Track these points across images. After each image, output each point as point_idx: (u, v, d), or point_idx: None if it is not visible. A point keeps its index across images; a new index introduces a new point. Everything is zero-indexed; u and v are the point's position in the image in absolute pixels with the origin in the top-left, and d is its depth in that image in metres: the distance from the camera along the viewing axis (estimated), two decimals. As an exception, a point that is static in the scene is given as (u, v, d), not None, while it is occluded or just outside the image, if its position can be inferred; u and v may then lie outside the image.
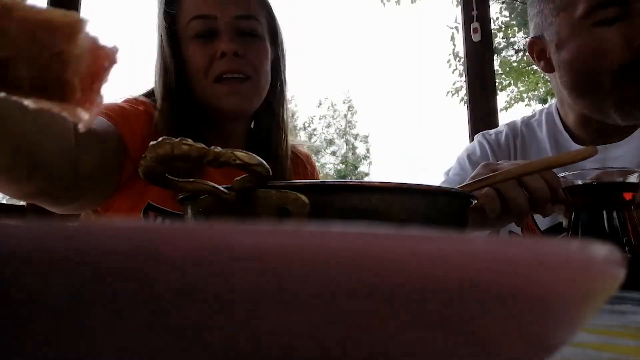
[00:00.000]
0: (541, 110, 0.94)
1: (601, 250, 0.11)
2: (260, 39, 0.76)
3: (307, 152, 0.93)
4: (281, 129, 0.81)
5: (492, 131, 0.96)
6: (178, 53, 0.74)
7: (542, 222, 0.82)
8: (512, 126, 0.93)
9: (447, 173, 0.93)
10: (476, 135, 0.96)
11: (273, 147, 0.80)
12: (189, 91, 0.74)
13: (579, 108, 0.80)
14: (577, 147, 0.82)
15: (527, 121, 0.93)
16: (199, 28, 0.72)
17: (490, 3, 1.89)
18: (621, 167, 0.58)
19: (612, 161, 0.78)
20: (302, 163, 0.89)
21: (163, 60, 0.74)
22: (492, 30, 2.03)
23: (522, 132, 0.91)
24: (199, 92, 0.74)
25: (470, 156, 0.92)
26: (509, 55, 7.65)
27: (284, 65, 0.83)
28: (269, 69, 0.78)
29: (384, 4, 7.68)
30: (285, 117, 0.83)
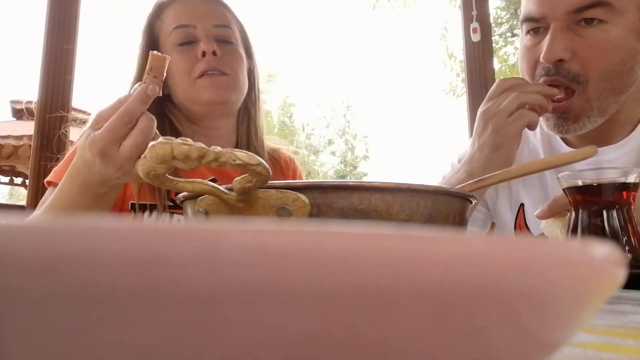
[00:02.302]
0: None
1: (601, 250, 0.11)
2: (235, 45, 0.83)
3: (290, 154, 0.97)
4: (258, 131, 0.89)
5: None
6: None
7: (535, 229, 0.82)
8: None
9: (443, 177, 0.93)
10: (470, 138, 0.97)
11: (253, 149, 0.86)
12: (169, 99, 0.81)
13: None
14: (570, 150, 0.82)
15: None
16: (180, 37, 0.79)
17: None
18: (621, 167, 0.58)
19: (606, 164, 0.78)
20: (279, 166, 0.93)
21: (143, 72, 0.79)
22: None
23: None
24: (181, 94, 0.80)
25: (461, 161, 0.92)
26: (506, 54, 7.68)
27: (258, 76, 0.91)
28: (245, 74, 0.85)
29: (374, 7, 7.79)
30: (260, 122, 0.90)
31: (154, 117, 0.55)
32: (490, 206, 0.90)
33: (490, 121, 0.70)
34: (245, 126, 0.88)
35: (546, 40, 0.73)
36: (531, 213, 0.83)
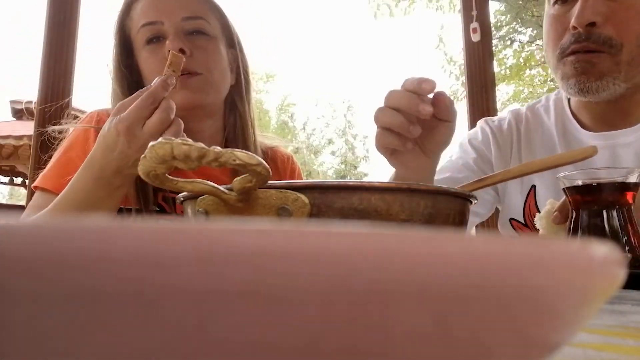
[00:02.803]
0: (548, 96, 0.92)
1: (601, 250, 0.11)
2: (210, 37, 0.78)
3: (287, 153, 0.95)
4: (248, 127, 0.84)
5: (495, 118, 0.95)
6: (133, 64, 0.78)
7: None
8: (516, 113, 0.92)
9: (450, 157, 0.93)
10: (479, 121, 0.96)
11: (240, 145, 0.82)
12: None
13: None
14: (585, 133, 0.81)
15: (532, 107, 0.91)
16: (147, 34, 0.76)
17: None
18: (624, 166, 0.58)
19: (622, 147, 0.77)
20: (275, 166, 0.90)
21: (118, 74, 0.77)
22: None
23: (527, 117, 0.89)
24: None
25: (471, 140, 0.91)
26: (505, 56, 7.70)
27: (246, 66, 0.86)
28: (224, 67, 0.80)
29: (375, 15, 7.85)
30: (251, 115, 0.85)
31: (173, 102, 0.60)
32: (500, 188, 0.89)
33: None
34: (232, 123, 0.84)
35: (577, 6, 0.70)
36: (542, 195, 0.82)
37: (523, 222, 0.85)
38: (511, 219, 0.87)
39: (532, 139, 0.87)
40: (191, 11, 0.76)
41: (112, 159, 0.59)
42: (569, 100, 0.87)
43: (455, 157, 0.91)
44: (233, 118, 0.84)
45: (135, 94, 0.60)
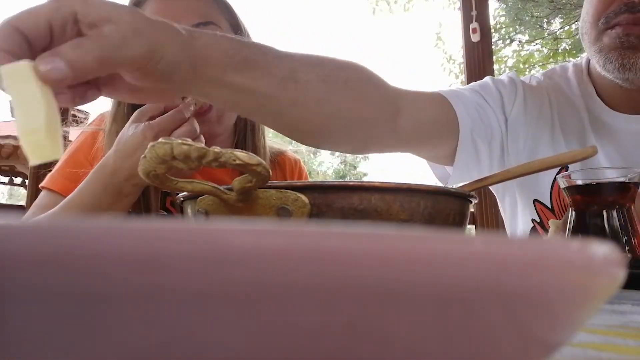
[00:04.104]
0: (564, 67, 0.81)
1: (601, 250, 0.11)
2: None
3: (295, 157, 0.95)
4: (258, 130, 0.85)
5: (521, 77, 0.82)
6: None
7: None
8: (544, 75, 0.81)
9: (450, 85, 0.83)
10: (504, 74, 0.83)
11: (250, 149, 0.83)
12: None
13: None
14: (620, 116, 0.72)
15: (550, 76, 0.80)
16: None
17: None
18: (624, 166, 0.58)
19: None
20: (282, 170, 0.91)
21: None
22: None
23: (551, 81, 0.79)
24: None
25: (495, 80, 0.78)
26: (504, 56, 7.71)
27: None
28: None
29: (374, 12, 7.86)
30: None
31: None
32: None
33: None
34: (243, 126, 0.85)
35: None
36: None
37: (550, 206, 0.76)
38: (535, 201, 0.77)
39: (564, 114, 0.76)
40: (202, 16, 0.74)
41: (126, 167, 0.60)
42: (589, 76, 0.77)
43: (469, 88, 0.76)
44: (243, 121, 0.84)
45: (149, 105, 0.62)
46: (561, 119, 0.75)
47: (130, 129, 0.62)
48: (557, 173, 0.71)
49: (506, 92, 0.76)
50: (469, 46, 1.85)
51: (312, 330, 0.09)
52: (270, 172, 0.29)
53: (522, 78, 0.81)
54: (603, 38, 0.68)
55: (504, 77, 0.80)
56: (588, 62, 0.78)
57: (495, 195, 0.89)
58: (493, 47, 2.01)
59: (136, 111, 0.63)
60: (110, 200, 0.62)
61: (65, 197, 0.71)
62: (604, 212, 0.52)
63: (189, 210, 0.35)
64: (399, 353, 0.09)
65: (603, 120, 0.74)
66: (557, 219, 0.73)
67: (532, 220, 0.79)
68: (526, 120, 0.75)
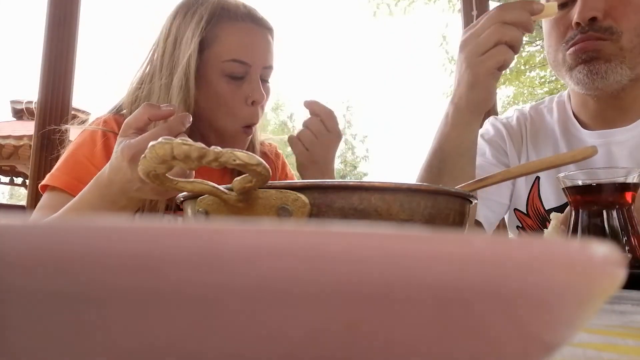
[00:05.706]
0: (551, 98, 0.97)
1: (601, 250, 0.11)
2: (268, 84, 0.84)
3: (273, 145, 0.99)
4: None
5: (502, 116, 0.99)
6: (199, 80, 0.78)
7: (547, 203, 0.85)
8: (520, 112, 0.96)
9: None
10: (486, 120, 0.98)
11: (250, 146, 0.87)
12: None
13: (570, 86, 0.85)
14: (584, 132, 0.86)
15: (535, 107, 0.96)
16: (235, 70, 0.78)
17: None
18: (624, 166, 0.58)
19: (617, 145, 0.81)
20: (271, 160, 0.95)
21: (184, 84, 0.76)
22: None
23: (531, 116, 0.94)
24: (215, 118, 0.80)
25: (483, 135, 0.93)
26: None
27: None
28: None
29: (375, 14, 7.88)
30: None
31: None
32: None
33: (465, 56, 0.68)
34: None
35: (577, 5, 0.76)
36: (545, 186, 0.85)
37: (525, 212, 0.89)
38: (515, 209, 0.90)
39: (537, 137, 0.91)
40: (268, 60, 0.81)
41: (118, 180, 0.59)
42: (570, 102, 0.91)
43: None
44: None
45: (141, 108, 0.59)
46: (535, 145, 0.91)
47: (116, 145, 0.60)
48: (535, 180, 0.87)
49: (496, 139, 0.92)
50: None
51: (312, 330, 0.09)
52: (270, 172, 0.29)
53: (502, 117, 0.98)
54: (567, 59, 0.80)
55: (487, 126, 0.96)
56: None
57: None
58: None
59: (123, 123, 0.61)
60: (107, 210, 0.62)
61: (68, 193, 0.71)
62: (604, 212, 0.52)
63: (189, 210, 0.35)
64: (399, 353, 0.09)
65: (575, 136, 0.87)
66: (533, 224, 0.87)
67: (517, 227, 0.91)
68: (514, 155, 0.93)
